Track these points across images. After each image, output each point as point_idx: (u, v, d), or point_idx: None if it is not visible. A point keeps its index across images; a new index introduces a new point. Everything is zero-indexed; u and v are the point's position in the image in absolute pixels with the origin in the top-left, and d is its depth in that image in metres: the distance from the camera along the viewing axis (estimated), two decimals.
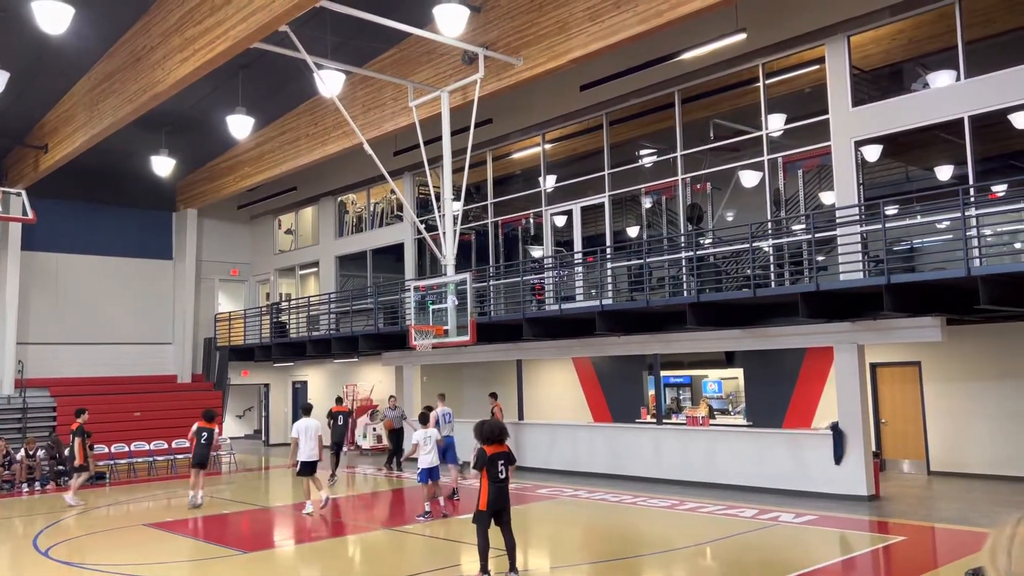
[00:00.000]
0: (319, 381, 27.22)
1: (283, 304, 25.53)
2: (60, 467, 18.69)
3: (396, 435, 19.73)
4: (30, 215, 20.91)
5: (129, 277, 25.00)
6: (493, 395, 18.37)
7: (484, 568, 8.52)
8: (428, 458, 12.86)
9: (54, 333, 23.50)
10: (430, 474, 12.90)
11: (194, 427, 15.23)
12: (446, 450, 14.46)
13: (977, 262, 11.22)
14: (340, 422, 18.21)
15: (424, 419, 13.35)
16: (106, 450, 19.78)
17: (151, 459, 20.41)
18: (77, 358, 23.61)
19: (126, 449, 20.14)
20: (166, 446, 20.80)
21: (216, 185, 24.08)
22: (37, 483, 18.18)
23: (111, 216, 24.66)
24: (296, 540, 12.60)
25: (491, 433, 8.62)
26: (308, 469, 13.66)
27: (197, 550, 11.54)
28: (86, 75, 17.77)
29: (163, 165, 20.90)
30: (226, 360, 25.49)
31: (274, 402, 28.21)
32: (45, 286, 23.55)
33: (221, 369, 25.66)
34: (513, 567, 8.56)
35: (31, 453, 18.40)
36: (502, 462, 8.52)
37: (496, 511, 8.46)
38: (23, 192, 21.17)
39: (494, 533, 8.62)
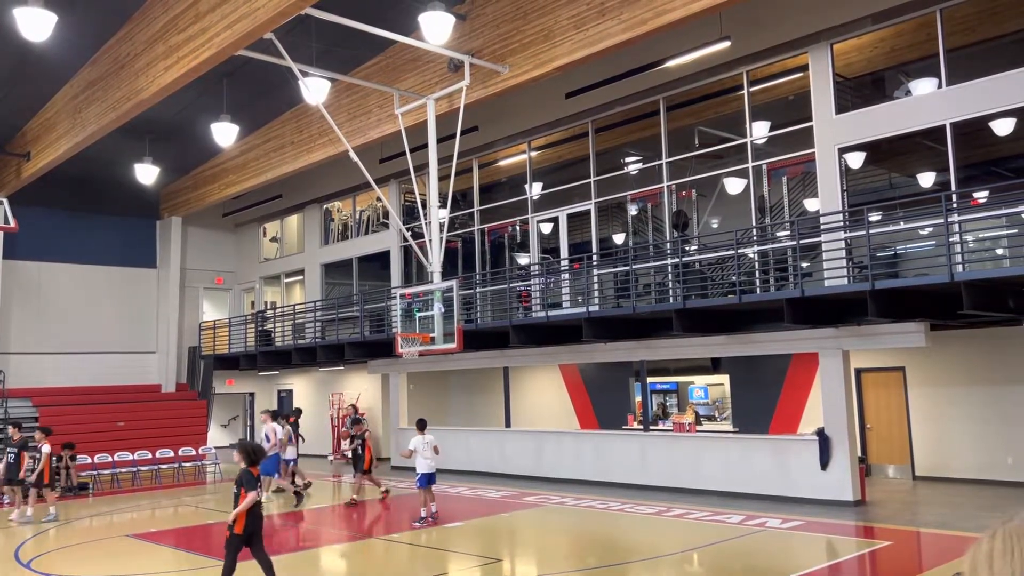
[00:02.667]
0: (305, 390, 27.08)
1: (268, 312, 25.40)
2: None
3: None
4: (12, 223, 20.73)
5: (112, 286, 24.81)
6: (357, 420, 16.80)
7: None
8: (427, 464, 13.20)
9: (36, 342, 23.27)
10: (428, 479, 13.23)
11: (47, 448, 14.65)
12: (267, 463, 14.20)
13: (960, 268, 11.31)
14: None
15: (422, 426, 13.68)
16: (89, 461, 19.58)
17: (135, 469, 20.22)
18: (60, 367, 23.39)
19: (109, 459, 19.94)
20: (150, 456, 20.63)
21: (200, 193, 23.95)
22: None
23: (94, 224, 24.48)
24: (280, 550, 12.50)
25: (255, 454, 8.44)
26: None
27: (181, 560, 11.43)
28: (69, 82, 17.65)
29: (147, 173, 20.76)
30: (211, 369, 25.33)
31: (259, 411, 28.01)
32: (27, 295, 23.33)
33: (206, 378, 25.48)
34: None
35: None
36: (259, 484, 8.37)
37: (249, 534, 8.16)
38: (5, 200, 21.00)
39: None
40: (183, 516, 15.39)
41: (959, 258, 11.42)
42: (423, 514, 13.12)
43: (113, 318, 24.66)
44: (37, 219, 22.66)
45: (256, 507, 8.11)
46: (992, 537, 1.51)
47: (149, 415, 22.56)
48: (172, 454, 21.10)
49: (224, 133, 17.32)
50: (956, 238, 11.46)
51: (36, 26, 12.35)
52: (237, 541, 8.07)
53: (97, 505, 16.70)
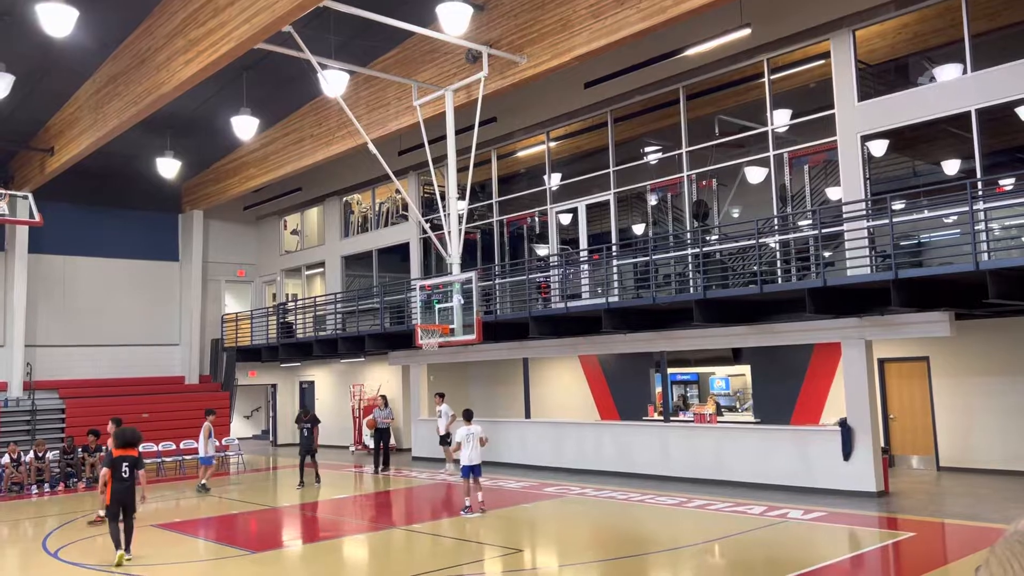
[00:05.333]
0: (326, 381, 27.26)
1: (289, 304, 25.57)
2: (69, 468, 18.75)
3: (379, 435, 19.63)
4: (37, 218, 20.92)
5: (136, 279, 25.09)
6: (117, 422, 14.61)
7: (117, 546, 10.08)
8: (469, 454, 13.10)
9: (62, 335, 23.59)
10: (472, 470, 13.14)
11: None
12: None
13: (985, 256, 11.16)
14: None
15: (468, 416, 13.61)
16: None
17: (159, 460, 20.45)
18: (85, 360, 23.71)
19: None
20: (174, 447, 20.85)
21: (221, 186, 24.12)
22: (47, 485, 18.23)
23: (117, 218, 24.75)
24: (304, 540, 12.62)
25: (121, 438, 10.35)
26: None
27: (206, 550, 11.57)
28: (90, 78, 17.81)
29: (168, 167, 20.94)
30: (233, 361, 25.55)
31: (281, 402, 28.26)
32: (52, 289, 23.63)
33: (228, 370, 25.72)
34: (128, 548, 10.10)
35: (40, 455, 18.45)
36: (127, 464, 10.12)
37: (122, 505, 10.03)
38: (30, 195, 21.17)
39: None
40: (207, 506, 15.55)
41: (984, 246, 11.26)
42: (467, 503, 13.10)
43: (137, 311, 24.94)
44: (61, 214, 22.91)
45: (120, 482, 9.98)
46: (1006, 542, 1.44)
47: (173, 406, 22.81)
48: (196, 445, 21.28)
49: (244, 126, 17.42)
50: (981, 226, 11.30)
51: (58, 21, 12.47)
52: (108, 512, 10.16)
53: None
